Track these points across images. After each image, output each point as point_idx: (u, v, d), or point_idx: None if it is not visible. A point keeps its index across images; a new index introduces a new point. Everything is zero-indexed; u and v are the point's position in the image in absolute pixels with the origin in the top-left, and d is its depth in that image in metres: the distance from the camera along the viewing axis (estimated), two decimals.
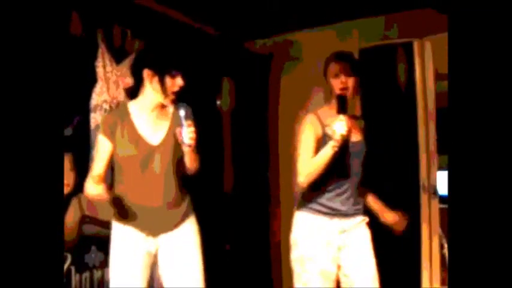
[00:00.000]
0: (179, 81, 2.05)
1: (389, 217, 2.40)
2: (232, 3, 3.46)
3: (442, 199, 3.51)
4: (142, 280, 2.09)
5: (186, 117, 2.00)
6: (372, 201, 2.43)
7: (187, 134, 1.98)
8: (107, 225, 2.21)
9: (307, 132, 2.26)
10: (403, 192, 3.54)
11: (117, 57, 2.87)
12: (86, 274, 2.62)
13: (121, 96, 2.87)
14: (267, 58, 4.20)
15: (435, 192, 3.49)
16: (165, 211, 2.09)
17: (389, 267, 2.50)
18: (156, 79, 2.04)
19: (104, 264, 2.62)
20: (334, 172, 2.20)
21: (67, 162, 2.41)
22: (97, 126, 2.73)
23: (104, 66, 2.79)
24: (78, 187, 2.44)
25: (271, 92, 4.22)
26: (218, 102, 3.73)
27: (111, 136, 2.09)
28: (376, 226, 2.40)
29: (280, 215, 3.91)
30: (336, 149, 2.11)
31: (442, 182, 3.53)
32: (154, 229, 2.10)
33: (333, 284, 2.24)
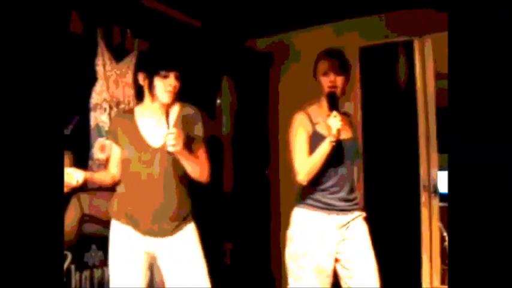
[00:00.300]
0: (172, 81, 2.04)
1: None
2: (232, 3, 3.46)
3: (442, 197, 3.52)
4: (142, 279, 2.09)
5: (174, 122, 2.01)
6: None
7: (168, 139, 1.93)
8: (106, 224, 2.21)
9: (299, 132, 2.28)
10: (403, 190, 3.55)
11: (117, 56, 2.87)
12: (86, 273, 2.62)
13: (121, 95, 2.87)
14: (267, 57, 4.20)
15: (435, 190, 3.49)
16: (164, 213, 2.08)
17: (389, 267, 2.50)
18: (147, 82, 2.06)
19: (104, 263, 2.63)
20: (327, 169, 2.22)
21: (67, 161, 2.41)
22: (97, 125, 2.74)
23: (103, 65, 2.79)
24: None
25: (271, 91, 4.23)
26: (218, 101, 3.73)
27: (114, 139, 2.16)
28: (376, 225, 2.41)
29: (281, 214, 3.91)
30: (334, 143, 2.14)
31: (442, 180, 3.54)
32: (153, 231, 2.09)
33: (327, 279, 2.24)
